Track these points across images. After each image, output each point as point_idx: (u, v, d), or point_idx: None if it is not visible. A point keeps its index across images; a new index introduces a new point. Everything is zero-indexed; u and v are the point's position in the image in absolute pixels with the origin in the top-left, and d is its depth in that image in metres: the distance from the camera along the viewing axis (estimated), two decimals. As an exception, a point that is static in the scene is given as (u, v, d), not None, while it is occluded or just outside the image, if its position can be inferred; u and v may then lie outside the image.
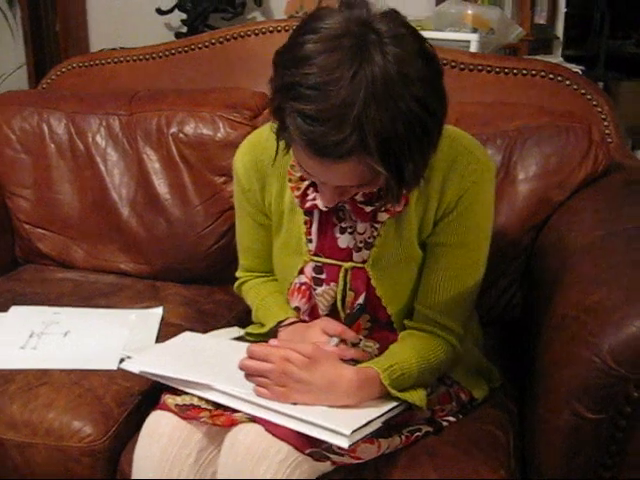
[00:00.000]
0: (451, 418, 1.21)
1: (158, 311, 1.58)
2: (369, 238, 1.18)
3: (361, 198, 1.15)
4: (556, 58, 3.13)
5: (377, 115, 0.92)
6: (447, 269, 1.17)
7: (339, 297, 1.21)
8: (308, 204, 1.18)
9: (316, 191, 1.16)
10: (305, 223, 1.22)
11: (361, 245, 1.19)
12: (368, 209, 1.15)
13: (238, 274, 1.39)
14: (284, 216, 1.24)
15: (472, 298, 1.22)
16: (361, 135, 0.93)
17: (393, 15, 0.99)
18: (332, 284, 1.21)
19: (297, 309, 1.25)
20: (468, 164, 1.14)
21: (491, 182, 1.18)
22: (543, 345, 1.13)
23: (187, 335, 1.34)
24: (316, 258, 1.22)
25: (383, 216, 1.16)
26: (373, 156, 0.95)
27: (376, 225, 1.17)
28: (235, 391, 1.08)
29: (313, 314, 1.25)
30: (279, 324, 1.24)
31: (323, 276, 1.22)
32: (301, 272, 1.23)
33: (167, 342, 1.30)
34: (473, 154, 1.15)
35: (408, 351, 1.14)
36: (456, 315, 1.19)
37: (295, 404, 1.05)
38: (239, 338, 1.34)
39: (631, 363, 0.93)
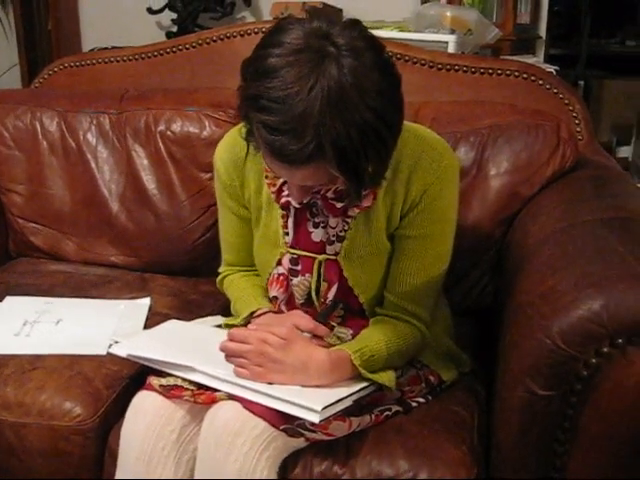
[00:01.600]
0: (420, 399, 1.29)
1: (146, 301, 1.64)
2: (340, 232, 1.26)
3: (332, 195, 1.22)
4: (538, 57, 3.20)
5: (332, 125, 1.00)
6: (414, 260, 1.24)
7: (313, 287, 1.28)
8: (283, 200, 1.26)
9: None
10: (282, 217, 1.29)
11: (333, 239, 1.26)
12: (339, 205, 1.22)
13: (220, 269, 1.46)
14: (262, 210, 1.32)
15: (438, 286, 1.30)
16: (318, 144, 1.00)
17: (354, 26, 1.06)
18: (307, 275, 1.28)
19: (275, 298, 1.32)
20: (432, 161, 1.21)
21: (454, 178, 1.25)
22: (504, 330, 1.21)
23: (172, 322, 1.41)
24: (292, 250, 1.29)
25: (354, 211, 1.23)
26: (330, 162, 1.03)
27: (347, 219, 1.25)
28: (216, 372, 1.15)
29: (290, 303, 1.32)
30: (252, 314, 1.31)
31: (299, 267, 1.29)
32: (279, 263, 1.31)
33: (153, 329, 1.38)
34: (437, 151, 1.22)
35: (378, 335, 1.22)
36: (423, 302, 1.27)
37: (271, 384, 1.12)
38: (221, 326, 1.41)
39: (579, 343, 1.00)
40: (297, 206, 1.25)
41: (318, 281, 1.28)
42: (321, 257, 1.27)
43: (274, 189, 1.27)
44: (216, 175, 1.37)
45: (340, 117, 1.00)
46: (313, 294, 1.29)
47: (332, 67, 1.00)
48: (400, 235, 1.25)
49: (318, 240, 1.28)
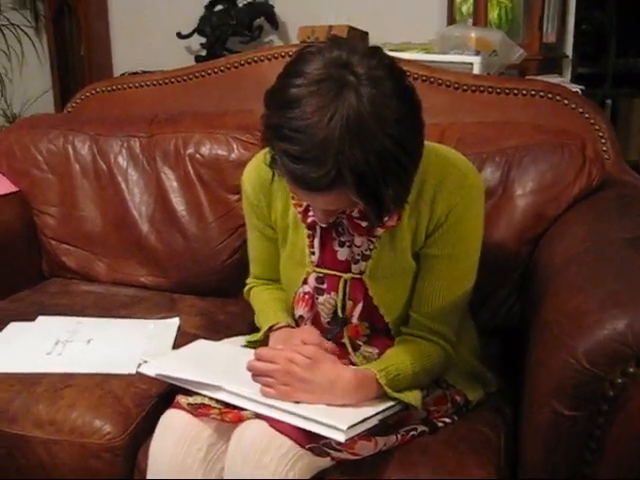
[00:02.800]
0: (446, 419, 1.29)
1: (175, 321, 1.67)
2: (366, 250, 1.27)
3: (357, 214, 1.24)
4: (565, 77, 3.19)
5: (352, 153, 1.02)
6: (439, 279, 1.25)
7: (339, 305, 1.30)
8: (309, 220, 1.28)
9: None
10: (308, 237, 1.31)
11: (359, 257, 1.28)
12: (364, 224, 1.24)
13: (248, 280, 1.49)
14: (289, 230, 1.34)
15: (463, 306, 1.31)
16: (339, 171, 1.03)
17: (374, 54, 1.08)
18: (332, 293, 1.30)
19: (301, 317, 1.34)
20: (457, 181, 1.22)
21: (479, 198, 1.26)
22: (529, 349, 1.21)
23: (200, 342, 1.43)
24: (318, 269, 1.31)
25: (378, 230, 1.25)
26: (351, 189, 1.05)
27: (372, 239, 1.26)
28: (243, 391, 1.17)
29: (316, 322, 1.33)
30: (270, 329, 1.33)
31: (324, 286, 1.31)
32: (305, 282, 1.32)
33: (181, 348, 1.40)
34: (462, 171, 1.24)
35: (403, 355, 1.23)
36: (447, 321, 1.28)
37: (298, 403, 1.14)
38: (247, 346, 1.43)
39: (604, 364, 1.00)
40: (323, 225, 1.26)
41: (343, 300, 1.29)
42: (346, 276, 1.29)
43: (300, 209, 1.29)
44: (244, 196, 1.40)
45: (359, 145, 1.02)
46: (339, 312, 1.30)
47: (351, 96, 1.02)
48: (425, 254, 1.26)
49: (343, 259, 1.29)
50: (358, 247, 1.27)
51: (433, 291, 1.26)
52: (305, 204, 1.28)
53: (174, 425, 1.18)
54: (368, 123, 1.02)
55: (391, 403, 1.19)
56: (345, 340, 1.31)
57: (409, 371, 1.21)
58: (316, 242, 1.30)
